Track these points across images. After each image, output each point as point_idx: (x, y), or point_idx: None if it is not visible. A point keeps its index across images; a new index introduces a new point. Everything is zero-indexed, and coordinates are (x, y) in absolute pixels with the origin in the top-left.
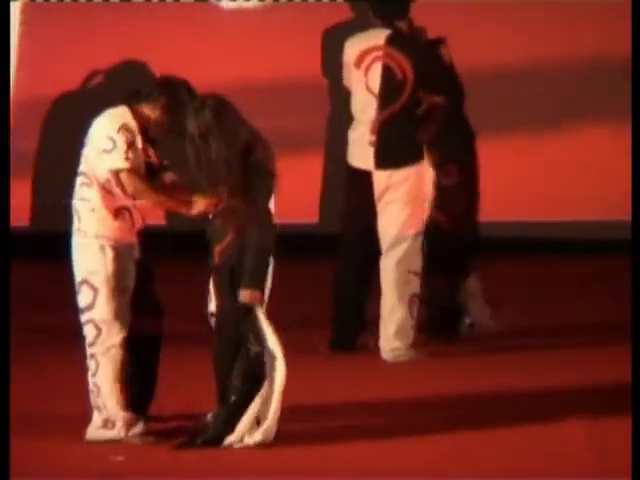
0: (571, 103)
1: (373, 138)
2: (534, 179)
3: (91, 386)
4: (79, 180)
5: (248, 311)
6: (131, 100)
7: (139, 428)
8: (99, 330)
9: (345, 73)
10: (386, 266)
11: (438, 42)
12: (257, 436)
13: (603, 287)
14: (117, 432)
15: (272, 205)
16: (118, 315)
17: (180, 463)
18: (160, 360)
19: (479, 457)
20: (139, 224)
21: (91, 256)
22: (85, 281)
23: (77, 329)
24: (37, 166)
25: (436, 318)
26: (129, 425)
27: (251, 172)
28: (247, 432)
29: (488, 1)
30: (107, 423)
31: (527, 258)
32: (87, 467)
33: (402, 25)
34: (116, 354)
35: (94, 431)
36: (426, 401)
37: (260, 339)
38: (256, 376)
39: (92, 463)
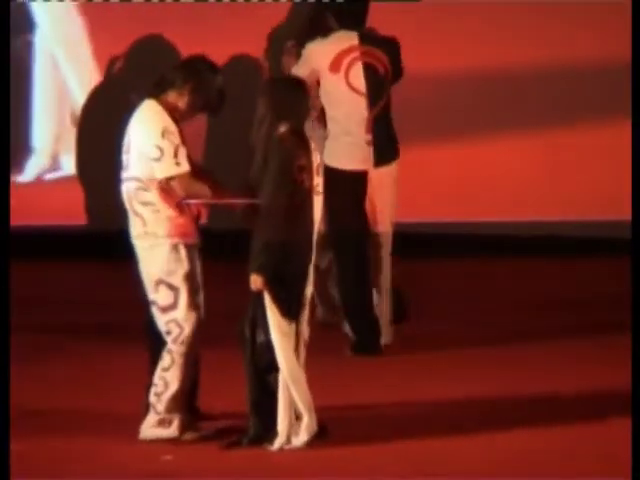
0: (572, 103)
1: (369, 137)
2: (535, 179)
3: (157, 380)
4: (133, 185)
5: (256, 298)
6: (157, 90)
7: (193, 428)
8: (181, 329)
9: (318, 79)
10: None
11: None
12: (302, 436)
13: (603, 287)
14: (172, 431)
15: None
16: (197, 314)
17: (228, 463)
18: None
19: (486, 457)
20: (196, 214)
21: (166, 256)
22: (162, 281)
23: (134, 327)
24: (80, 165)
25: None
26: (184, 425)
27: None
28: (292, 432)
29: (486, 2)
30: (163, 422)
31: (528, 258)
32: (137, 466)
33: (364, 27)
34: (191, 356)
35: (148, 430)
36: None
37: (266, 329)
38: (265, 366)
39: (141, 462)
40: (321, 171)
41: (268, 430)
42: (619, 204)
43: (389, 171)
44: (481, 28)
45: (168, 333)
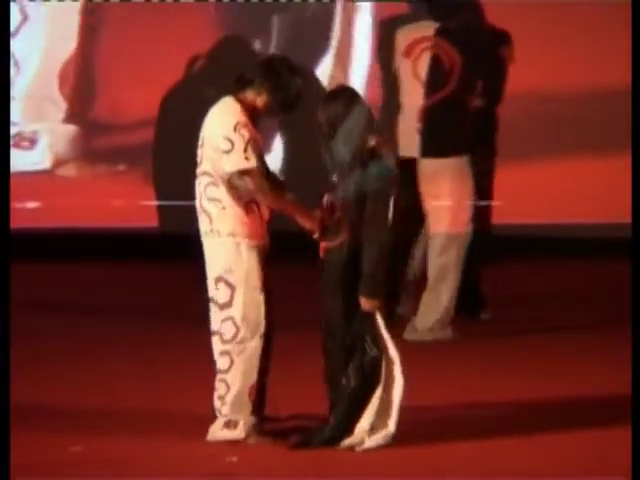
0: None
1: (419, 125)
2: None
3: (218, 383)
4: (204, 180)
5: (367, 315)
6: (235, 89)
7: (259, 430)
8: (237, 328)
9: (395, 62)
10: (438, 261)
11: (500, 38)
12: (376, 440)
13: (603, 288)
14: (238, 433)
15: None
16: (256, 314)
17: (292, 463)
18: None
19: (485, 458)
20: (266, 216)
21: (227, 254)
22: (221, 278)
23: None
24: (156, 164)
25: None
26: (250, 427)
27: (370, 178)
28: (367, 435)
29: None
30: (229, 424)
31: (528, 259)
32: (201, 467)
33: (453, 21)
34: (252, 355)
35: (216, 431)
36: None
37: (378, 343)
38: (371, 379)
39: (206, 463)
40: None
41: (343, 434)
42: (619, 206)
43: (445, 166)
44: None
45: (223, 332)
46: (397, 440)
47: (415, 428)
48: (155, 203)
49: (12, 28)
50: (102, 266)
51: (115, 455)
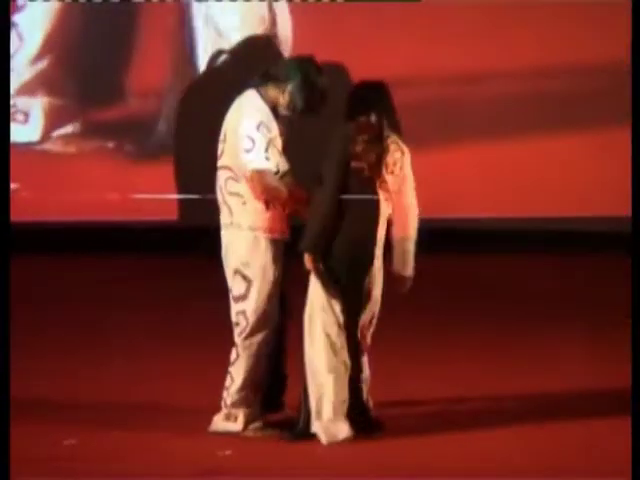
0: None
1: None
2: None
3: (227, 374)
4: (224, 174)
5: (308, 278)
6: (259, 83)
7: (258, 423)
8: (247, 322)
9: None
10: None
11: None
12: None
13: (603, 284)
14: (238, 426)
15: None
16: (268, 309)
17: (283, 459)
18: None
19: (484, 457)
20: (289, 209)
21: (245, 248)
22: (238, 271)
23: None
24: (177, 158)
25: None
26: (250, 420)
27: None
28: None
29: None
30: (229, 416)
31: (528, 255)
32: (196, 462)
33: None
34: (257, 350)
35: (218, 423)
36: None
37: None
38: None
39: (201, 458)
40: (401, 170)
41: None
42: (620, 200)
43: None
44: (485, 29)
45: (236, 325)
46: (392, 437)
47: (410, 423)
48: (149, 196)
49: (20, 1)
50: (101, 261)
51: (112, 451)
